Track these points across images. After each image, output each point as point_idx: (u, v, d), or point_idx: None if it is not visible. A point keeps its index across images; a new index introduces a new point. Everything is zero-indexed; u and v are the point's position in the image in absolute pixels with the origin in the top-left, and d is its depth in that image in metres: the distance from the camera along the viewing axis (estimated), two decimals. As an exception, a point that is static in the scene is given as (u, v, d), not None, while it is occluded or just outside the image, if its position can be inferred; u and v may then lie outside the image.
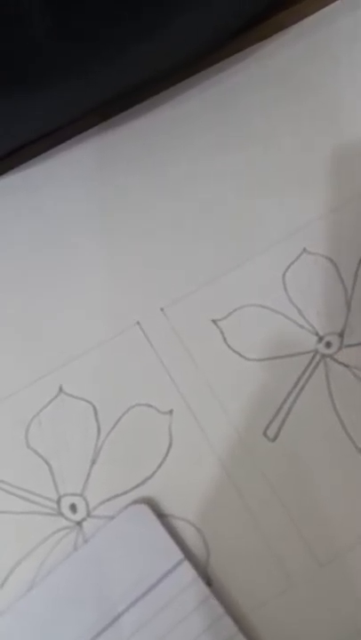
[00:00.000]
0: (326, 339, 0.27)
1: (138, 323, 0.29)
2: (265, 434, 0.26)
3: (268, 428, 0.26)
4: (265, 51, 0.33)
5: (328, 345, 0.27)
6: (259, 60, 0.33)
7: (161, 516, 0.25)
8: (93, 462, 0.27)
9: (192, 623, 0.24)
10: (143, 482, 0.26)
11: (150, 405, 0.27)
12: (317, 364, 0.27)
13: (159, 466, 0.26)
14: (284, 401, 0.27)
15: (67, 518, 0.26)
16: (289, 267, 0.29)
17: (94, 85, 0.28)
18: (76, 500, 0.26)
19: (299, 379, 0.27)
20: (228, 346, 0.28)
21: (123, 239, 0.30)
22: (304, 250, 0.29)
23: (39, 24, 0.25)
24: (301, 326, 0.28)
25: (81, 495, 0.26)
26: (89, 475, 0.26)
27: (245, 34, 0.32)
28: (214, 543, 0.25)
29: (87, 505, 0.26)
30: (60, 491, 0.26)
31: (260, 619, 0.24)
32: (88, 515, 0.26)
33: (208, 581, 0.25)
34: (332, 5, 0.33)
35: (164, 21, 0.27)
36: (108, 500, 0.26)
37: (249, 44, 0.33)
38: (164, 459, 0.26)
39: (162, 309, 0.29)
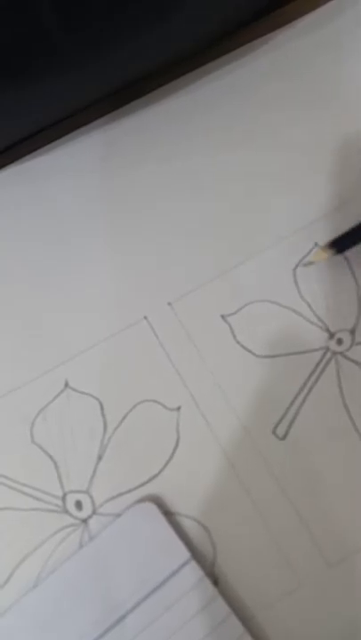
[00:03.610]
0: (338, 335, 0.27)
1: (145, 317, 0.28)
2: (274, 432, 0.26)
3: (277, 426, 0.26)
4: (273, 43, 0.32)
5: (339, 342, 0.27)
6: (267, 52, 0.32)
7: (167, 514, 0.25)
8: (99, 459, 0.26)
9: (198, 623, 0.24)
10: (150, 479, 0.26)
11: (157, 402, 0.27)
12: (328, 361, 0.27)
13: (166, 463, 0.26)
14: (294, 399, 0.26)
15: (72, 515, 0.26)
16: (300, 262, 0.28)
17: (96, 78, 0.28)
18: (81, 497, 0.26)
19: (309, 376, 0.26)
20: (238, 342, 0.27)
21: (130, 233, 0.30)
22: (315, 244, 0.28)
23: (46, 17, 0.24)
24: (312, 323, 0.27)
25: (87, 492, 0.26)
26: (95, 471, 0.26)
27: (253, 26, 0.32)
28: (221, 542, 0.25)
29: (93, 502, 0.26)
30: (66, 487, 0.26)
31: (268, 619, 0.24)
32: (94, 512, 0.26)
33: (215, 581, 0.24)
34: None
35: (172, 9, 0.26)
36: (114, 497, 0.26)
37: (256, 37, 0.32)
38: (172, 456, 0.26)
39: (170, 304, 0.28)
